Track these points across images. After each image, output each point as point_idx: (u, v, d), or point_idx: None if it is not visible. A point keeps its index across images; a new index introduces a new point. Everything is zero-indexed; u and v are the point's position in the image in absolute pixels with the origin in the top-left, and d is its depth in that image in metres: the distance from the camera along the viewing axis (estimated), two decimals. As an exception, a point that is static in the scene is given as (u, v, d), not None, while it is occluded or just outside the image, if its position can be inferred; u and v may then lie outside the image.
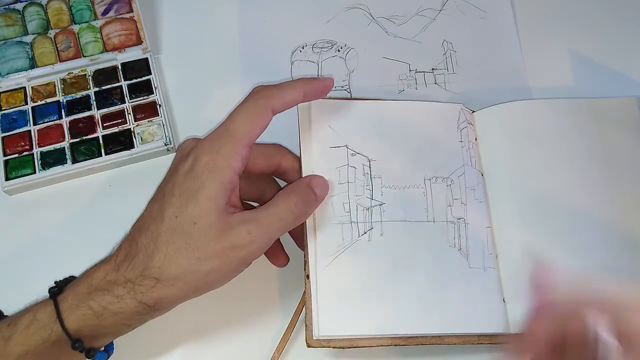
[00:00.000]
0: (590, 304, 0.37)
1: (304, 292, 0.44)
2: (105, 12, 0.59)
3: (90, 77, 0.56)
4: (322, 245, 0.44)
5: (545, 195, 0.48)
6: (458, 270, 0.45)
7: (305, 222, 0.44)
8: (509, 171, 0.49)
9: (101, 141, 0.54)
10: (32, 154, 0.53)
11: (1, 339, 0.39)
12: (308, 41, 0.60)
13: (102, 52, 0.57)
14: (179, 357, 0.48)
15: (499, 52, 0.60)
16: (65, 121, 0.54)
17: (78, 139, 0.54)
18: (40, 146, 0.53)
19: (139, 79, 0.56)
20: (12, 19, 0.58)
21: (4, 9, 0.58)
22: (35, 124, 0.54)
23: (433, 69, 0.59)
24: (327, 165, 0.46)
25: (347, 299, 0.43)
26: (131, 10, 0.59)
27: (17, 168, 0.53)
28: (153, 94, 0.56)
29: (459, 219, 0.47)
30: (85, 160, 0.53)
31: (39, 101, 0.55)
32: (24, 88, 0.56)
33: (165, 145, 0.54)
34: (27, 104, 0.55)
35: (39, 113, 0.55)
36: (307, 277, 0.44)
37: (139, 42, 0.58)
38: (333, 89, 0.46)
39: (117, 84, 0.56)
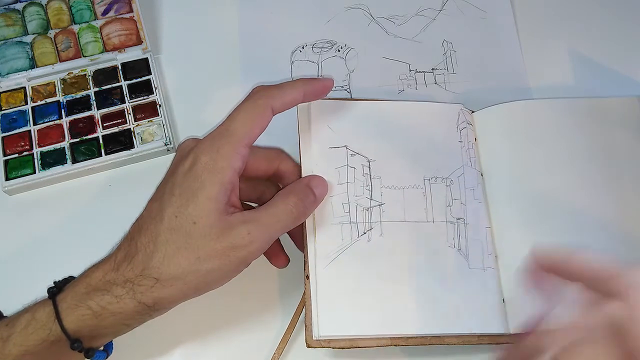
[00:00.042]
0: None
1: (304, 292, 0.44)
2: (105, 12, 0.59)
3: (90, 77, 0.56)
4: (321, 246, 0.44)
5: (545, 196, 0.48)
6: (457, 271, 0.45)
7: (305, 222, 0.44)
8: (508, 171, 0.49)
9: (101, 141, 0.54)
10: (32, 154, 0.53)
11: (0, 339, 0.39)
12: (308, 41, 0.60)
13: (102, 52, 0.57)
14: (179, 357, 0.48)
15: (499, 52, 0.60)
16: (65, 121, 0.54)
17: (78, 139, 0.54)
18: (40, 146, 0.53)
19: (139, 79, 0.56)
20: (12, 19, 0.58)
21: (4, 9, 0.58)
22: (35, 124, 0.54)
23: (433, 69, 0.59)
24: (326, 165, 0.46)
25: (346, 299, 0.43)
26: (131, 10, 0.59)
27: (17, 168, 0.53)
28: (153, 94, 0.56)
29: (459, 219, 0.47)
30: (85, 160, 0.53)
31: (39, 101, 0.55)
32: (24, 88, 0.56)
33: (165, 145, 0.54)
34: (27, 104, 0.55)
35: (39, 113, 0.55)
36: (307, 277, 0.44)
37: (139, 42, 0.58)
38: (333, 89, 0.46)
39: (117, 84, 0.56)
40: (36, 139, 0.54)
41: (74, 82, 0.56)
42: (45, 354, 0.39)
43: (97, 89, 0.56)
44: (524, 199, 0.48)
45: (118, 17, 0.59)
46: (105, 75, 0.57)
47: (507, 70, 0.59)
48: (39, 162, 0.53)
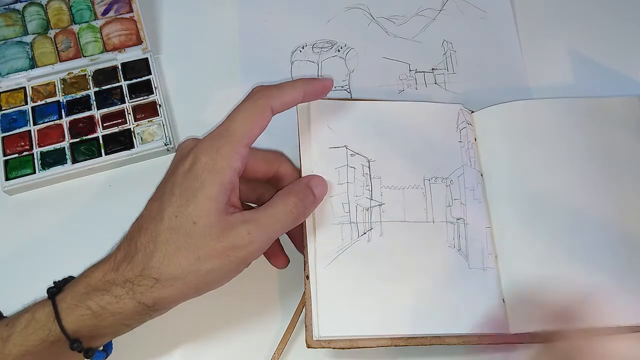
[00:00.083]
0: None
1: (304, 292, 0.44)
2: (105, 12, 0.59)
3: (90, 77, 0.56)
4: (321, 246, 0.44)
5: (545, 196, 0.48)
6: (457, 271, 0.45)
7: (305, 222, 0.44)
8: (508, 171, 0.49)
9: (101, 141, 0.54)
10: (32, 154, 0.53)
11: (0, 339, 0.39)
12: (308, 41, 0.60)
13: (102, 52, 0.57)
14: (179, 357, 0.48)
15: (499, 52, 0.60)
16: (65, 121, 0.54)
17: (78, 139, 0.54)
18: (40, 146, 0.53)
19: (139, 79, 0.56)
20: (12, 19, 0.58)
21: (4, 9, 0.58)
22: (35, 124, 0.54)
23: (433, 69, 0.59)
24: (326, 165, 0.46)
25: (346, 299, 0.43)
26: (131, 10, 0.59)
27: (17, 168, 0.53)
28: (153, 94, 0.56)
29: (459, 219, 0.47)
30: (85, 160, 0.53)
31: (39, 101, 0.55)
32: (24, 88, 0.56)
33: (165, 145, 0.54)
34: (27, 104, 0.55)
35: (39, 113, 0.55)
36: (307, 277, 0.44)
37: (139, 42, 0.58)
38: (333, 89, 0.46)
39: (117, 84, 0.56)
40: (36, 139, 0.54)
41: (74, 82, 0.56)
42: (45, 354, 0.39)
43: (97, 89, 0.56)
44: (524, 199, 0.48)
45: (118, 17, 0.59)
46: (105, 75, 0.57)
47: (507, 70, 0.59)
48: (39, 162, 0.53)
